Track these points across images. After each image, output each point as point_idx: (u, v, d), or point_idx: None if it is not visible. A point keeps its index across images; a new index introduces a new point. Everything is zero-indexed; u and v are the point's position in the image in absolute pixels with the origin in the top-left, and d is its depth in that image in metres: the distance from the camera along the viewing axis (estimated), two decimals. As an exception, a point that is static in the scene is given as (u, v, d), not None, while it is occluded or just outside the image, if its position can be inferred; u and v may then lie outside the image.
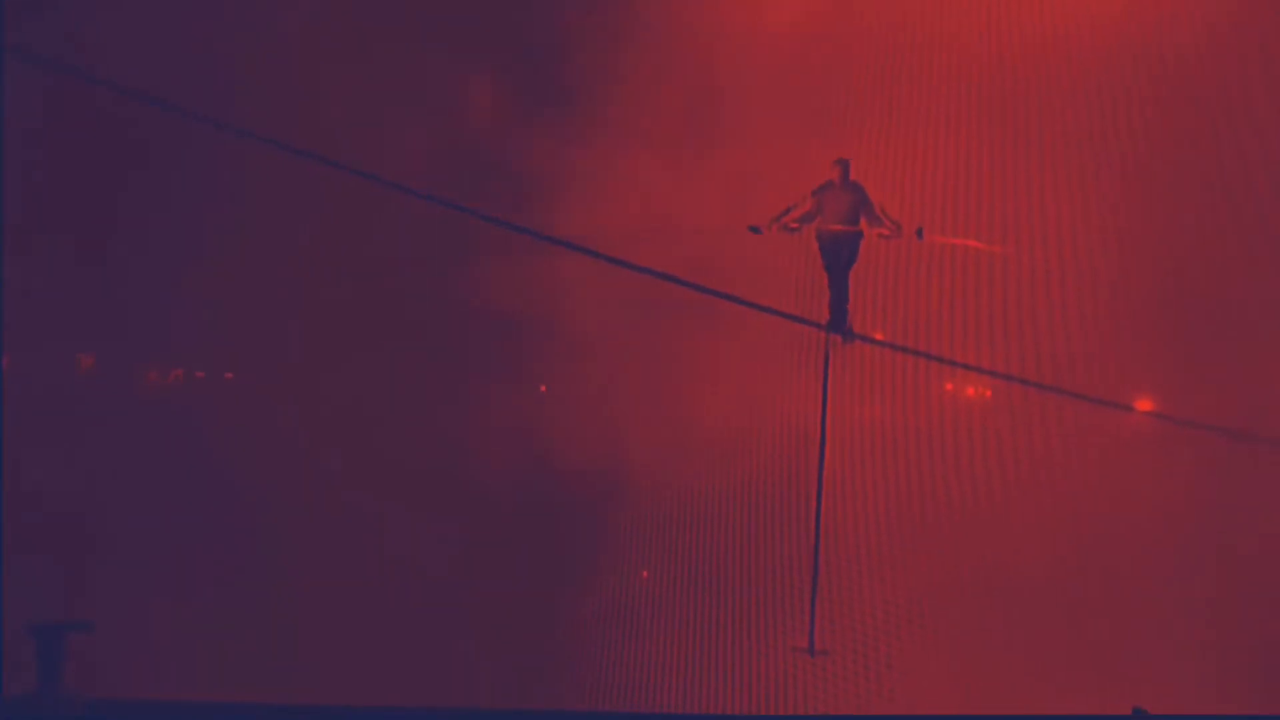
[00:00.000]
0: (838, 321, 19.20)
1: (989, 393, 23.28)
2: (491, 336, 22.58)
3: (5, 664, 15.53)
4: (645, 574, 22.69)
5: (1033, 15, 22.03)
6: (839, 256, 19.01)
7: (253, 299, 22.42)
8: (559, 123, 22.48)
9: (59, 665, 14.34)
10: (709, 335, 22.13)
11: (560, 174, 22.40)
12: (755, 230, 18.75)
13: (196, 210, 22.03)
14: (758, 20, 22.36)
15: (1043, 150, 22.03)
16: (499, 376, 22.71)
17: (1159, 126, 22.02)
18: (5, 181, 17.53)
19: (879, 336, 21.89)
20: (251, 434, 22.22)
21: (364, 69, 22.12)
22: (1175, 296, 22.14)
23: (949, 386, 23.42)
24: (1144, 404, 22.46)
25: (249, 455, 21.97)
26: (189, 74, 21.07)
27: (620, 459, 22.29)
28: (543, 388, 23.36)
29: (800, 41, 22.28)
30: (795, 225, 18.77)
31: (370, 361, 22.65)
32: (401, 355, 22.65)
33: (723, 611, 21.94)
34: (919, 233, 18.74)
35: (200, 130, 18.85)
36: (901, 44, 22.07)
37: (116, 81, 16.90)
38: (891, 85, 22.08)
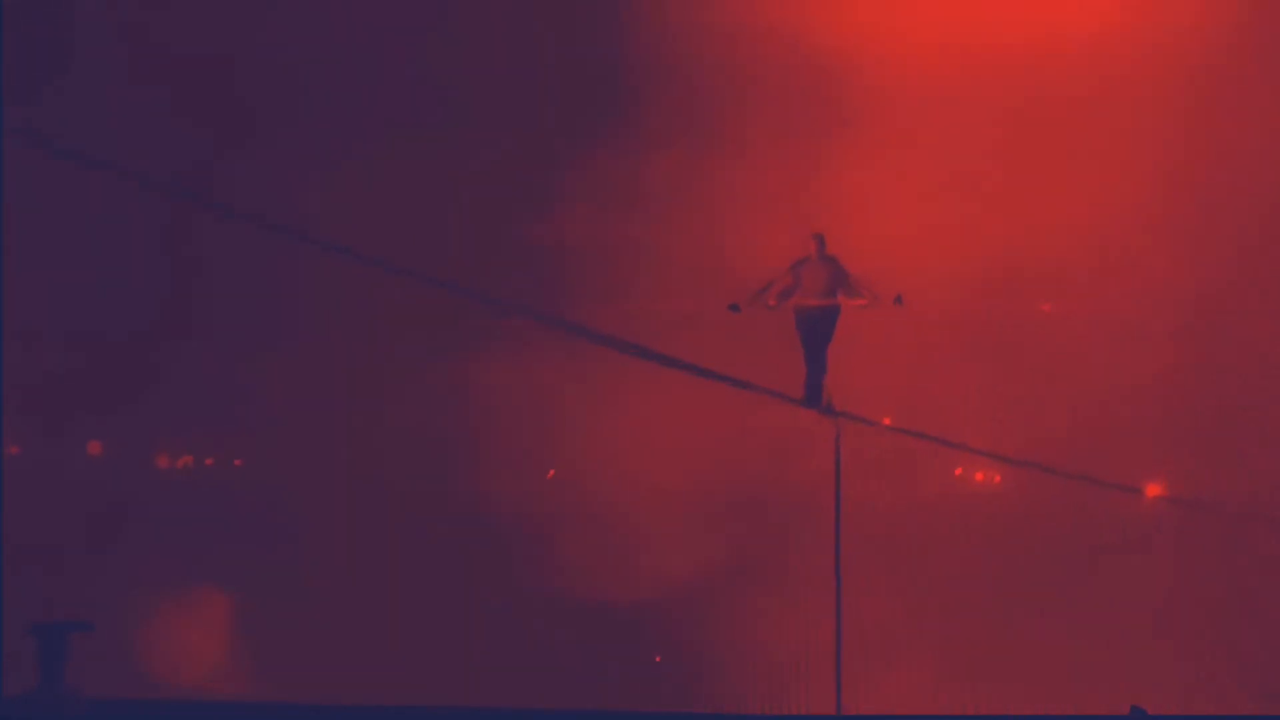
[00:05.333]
0: (813, 397, 19.19)
1: (998, 477, 23.26)
2: (493, 421, 22.70)
3: (5, 664, 15.65)
4: (658, 659, 22.66)
5: (1045, 70, 22.24)
6: (816, 331, 19.03)
7: (263, 383, 22.57)
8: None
9: (59, 665, 14.43)
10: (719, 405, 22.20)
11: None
12: (734, 309, 18.86)
13: (202, 293, 22.24)
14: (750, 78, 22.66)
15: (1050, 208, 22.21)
16: (501, 462, 22.83)
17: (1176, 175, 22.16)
18: (5, 261, 17.76)
19: (887, 422, 21.88)
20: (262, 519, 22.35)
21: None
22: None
23: (958, 470, 23.41)
24: (1154, 488, 22.39)
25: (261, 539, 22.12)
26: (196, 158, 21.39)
27: (629, 537, 22.35)
28: (550, 473, 23.39)
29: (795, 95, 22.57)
30: (774, 302, 18.86)
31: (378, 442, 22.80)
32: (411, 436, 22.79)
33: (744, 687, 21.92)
34: (897, 300, 18.80)
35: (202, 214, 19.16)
36: (904, 96, 22.33)
37: (118, 165, 17.18)
38: (896, 140, 22.30)
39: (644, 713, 18.67)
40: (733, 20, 22.79)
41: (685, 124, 22.90)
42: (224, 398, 22.54)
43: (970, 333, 22.45)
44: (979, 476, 23.40)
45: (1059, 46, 22.26)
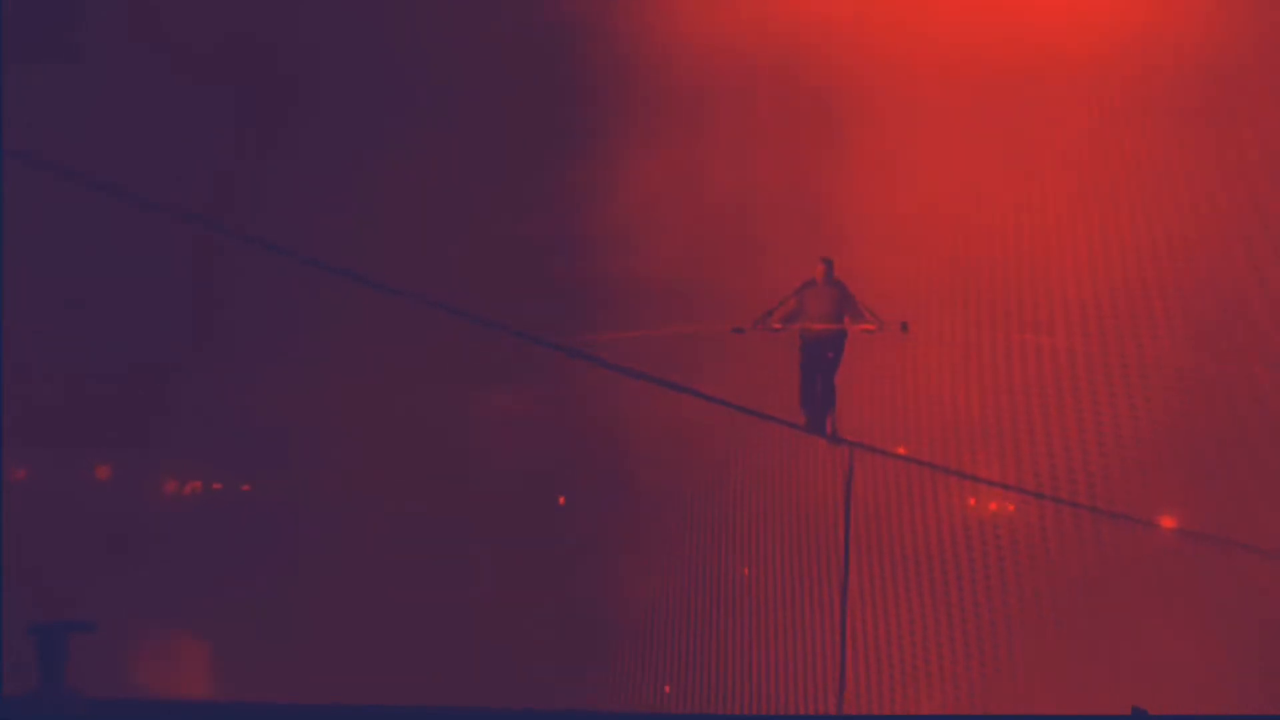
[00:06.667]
0: (817, 424, 19.20)
1: (1012, 507, 23.19)
2: (506, 444, 22.72)
3: (5, 664, 15.66)
4: (668, 688, 22.64)
5: (1064, 101, 22.25)
6: (823, 356, 19.07)
7: (273, 410, 22.58)
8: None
9: (60, 665, 14.38)
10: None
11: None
12: (739, 331, 18.93)
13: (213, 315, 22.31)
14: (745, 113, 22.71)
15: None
16: (513, 485, 22.84)
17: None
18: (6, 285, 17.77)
19: (901, 451, 21.86)
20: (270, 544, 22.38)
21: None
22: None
23: (972, 501, 23.35)
24: (1169, 520, 22.28)
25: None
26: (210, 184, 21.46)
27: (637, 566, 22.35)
28: (561, 499, 23.40)
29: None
30: (779, 325, 18.92)
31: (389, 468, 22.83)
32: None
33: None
34: (904, 326, 18.81)
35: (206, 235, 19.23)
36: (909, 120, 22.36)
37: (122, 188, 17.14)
38: (899, 160, 22.33)
39: (644, 713, 18.70)
40: (736, 38, 22.87)
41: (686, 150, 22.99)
42: (234, 423, 22.58)
43: (979, 361, 22.38)
44: (993, 506, 23.36)
45: (1067, 65, 22.24)
